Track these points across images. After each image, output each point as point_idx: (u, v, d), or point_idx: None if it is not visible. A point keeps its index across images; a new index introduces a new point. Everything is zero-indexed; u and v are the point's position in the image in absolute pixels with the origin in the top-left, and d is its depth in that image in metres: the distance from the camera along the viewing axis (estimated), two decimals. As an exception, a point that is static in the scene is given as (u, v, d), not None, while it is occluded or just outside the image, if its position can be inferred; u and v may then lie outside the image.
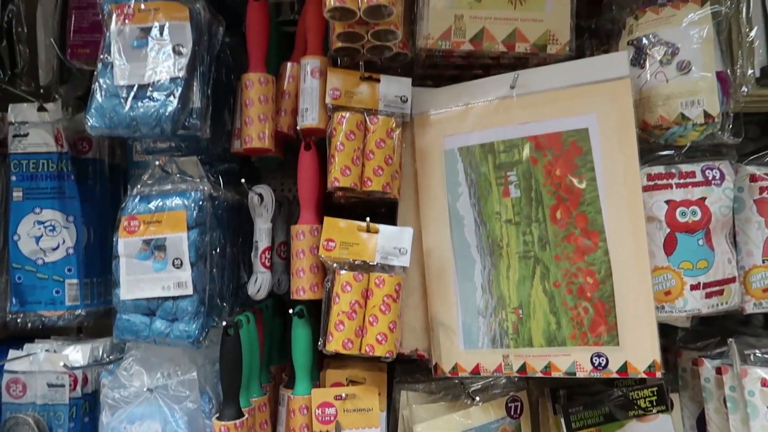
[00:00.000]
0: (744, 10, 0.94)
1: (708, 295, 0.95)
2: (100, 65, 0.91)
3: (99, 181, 1.23)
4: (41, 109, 1.15)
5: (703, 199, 0.95)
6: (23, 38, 1.21)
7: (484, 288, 1.00)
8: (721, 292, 0.96)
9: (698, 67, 0.94)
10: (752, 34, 0.93)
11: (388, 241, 0.95)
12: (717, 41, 0.96)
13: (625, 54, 0.95)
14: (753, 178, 1.00)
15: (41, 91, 1.21)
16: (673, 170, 0.97)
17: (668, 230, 0.95)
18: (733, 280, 0.97)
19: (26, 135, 1.15)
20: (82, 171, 1.19)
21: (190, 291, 0.92)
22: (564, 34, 1.01)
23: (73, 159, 1.17)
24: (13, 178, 1.15)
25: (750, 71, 0.93)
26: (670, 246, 0.95)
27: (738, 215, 1.01)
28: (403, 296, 0.99)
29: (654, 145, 1.00)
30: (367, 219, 0.95)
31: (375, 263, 0.94)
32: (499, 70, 1.05)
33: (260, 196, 1.04)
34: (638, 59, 0.99)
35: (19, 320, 1.16)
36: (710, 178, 0.96)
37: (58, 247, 1.15)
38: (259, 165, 1.24)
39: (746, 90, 0.94)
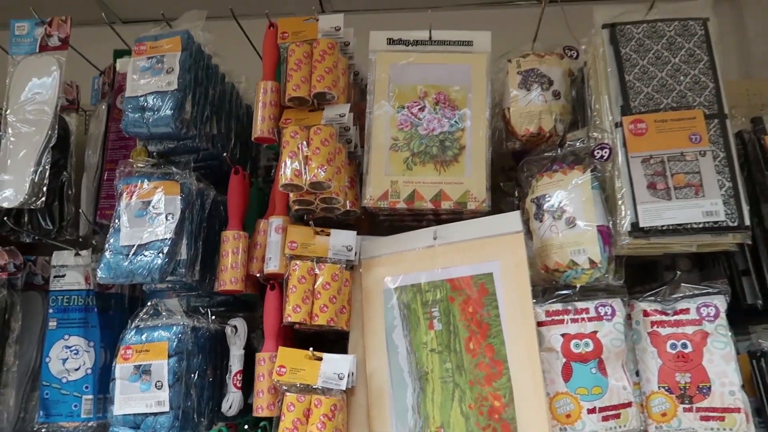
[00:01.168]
0: (616, 176, 1.15)
1: (605, 419, 1.08)
2: (111, 230, 1.20)
3: (119, 311, 1.50)
4: (77, 254, 1.46)
5: (595, 332, 1.11)
6: (71, 199, 1.56)
7: (414, 409, 1.17)
8: (618, 416, 1.09)
9: (582, 222, 1.14)
10: (620, 195, 1.13)
11: (330, 367, 1.15)
12: (600, 200, 1.16)
13: (517, 214, 1.17)
14: (645, 314, 1.16)
15: (80, 239, 1.54)
16: (569, 307, 1.14)
17: (564, 360, 1.11)
18: (629, 404, 1.10)
19: (63, 276, 1.45)
20: (105, 304, 1.47)
21: (166, 408, 1.13)
22: (481, 193, 1.25)
23: (98, 294, 1.45)
24: (51, 310, 1.44)
25: (624, 226, 1.12)
26: (567, 374, 1.10)
27: (637, 346, 1.16)
28: (351, 414, 1.18)
29: (558, 285, 1.18)
30: (310, 349, 1.16)
31: (317, 386, 1.14)
32: (437, 220, 1.29)
33: (235, 327, 1.27)
34: (538, 215, 1.20)
35: (43, 430, 1.40)
36: (602, 313, 1.13)
37: (79, 368, 1.41)
38: (245, 298, 1.49)
39: (625, 241, 1.13)
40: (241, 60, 1.52)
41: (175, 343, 1.17)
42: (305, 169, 1.18)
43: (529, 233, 1.23)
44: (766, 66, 1.85)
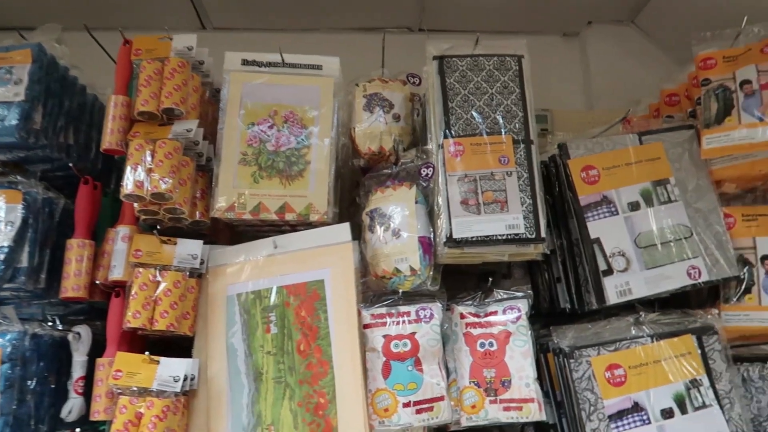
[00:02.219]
0: (437, 192, 1.28)
1: (419, 411, 1.19)
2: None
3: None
4: None
5: (414, 333, 1.23)
6: None
7: (248, 408, 1.24)
8: (431, 409, 1.20)
9: (405, 233, 1.26)
10: (438, 210, 1.26)
11: (166, 371, 1.20)
12: (424, 214, 1.28)
13: (347, 225, 1.27)
14: (462, 316, 1.28)
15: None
16: (393, 310, 1.25)
17: (384, 359, 1.21)
18: (441, 398, 1.21)
19: None
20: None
21: (-4, 414, 1.15)
22: (322, 206, 1.34)
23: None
24: None
25: (441, 237, 1.24)
26: (386, 372, 1.21)
27: (454, 345, 1.28)
28: (192, 416, 1.23)
29: (387, 291, 1.29)
30: (146, 353, 1.21)
31: (153, 389, 1.18)
32: (285, 229, 1.37)
33: (78, 334, 1.30)
34: (371, 226, 1.31)
35: None
36: (422, 316, 1.24)
37: None
38: (100, 306, 1.51)
39: (443, 250, 1.25)
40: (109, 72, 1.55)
41: (8, 350, 1.19)
42: (148, 180, 1.23)
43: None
44: (605, 98, 2.06)
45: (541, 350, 1.33)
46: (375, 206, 1.31)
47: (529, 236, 1.22)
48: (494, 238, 1.22)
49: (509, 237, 1.22)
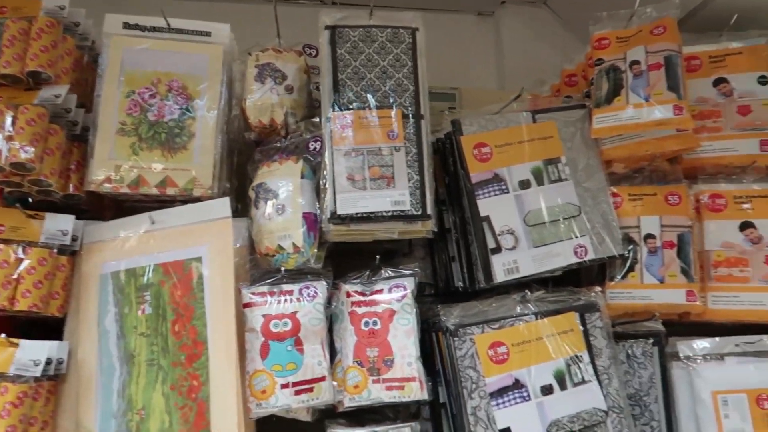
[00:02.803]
0: (324, 167, 1.23)
1: (297, 392, 1.16)
2: None
3: None
4: None
5: (295, 312, 1.19)
6: None
7: (119, 392, 1.17)
8: (311, 390, 1.17)
9: (289, 209, 1.21)
10: (324, 186, 1.22)
11: (26, 354, 1.12)
12: (310, 189, 1.24)
13: (226, 200, 1.22)
14: (348, 295, 1.25)
15: None
16: (275, 289, 1.20)
17: (263, 339, 1.17)
18: (322, 379, 1.18)
19: None
20: None
21: None
22: (207, 180, 1.28)
23: None
24: None
25: (326, 213, 1.21)
26: (264, 352, 1.16)
27: (340, 325, 1.25)
28: (61, 401, 1.16)
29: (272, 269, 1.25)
30: (2, 335, 1.12)
31: (10, 373, 1.10)
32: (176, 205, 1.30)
33: (-69, 315, 1.19)
34: (257, 202, 1.26)
35: None
36: (305, 295, 1.21)
37: None
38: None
39: (328, 227, 1.21)
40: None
41: None
42: (6, 148, 1.13)
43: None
44: (516, 78, 2.06)
45: (433, 329, 1.32)
46: (260, 181, 1.26)
47: (415, 213, 1.20)
48: (379, 214, 1.19)
49: (395, 213, 1.20)
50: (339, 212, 1.19)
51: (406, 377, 1.19)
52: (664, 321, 1.42)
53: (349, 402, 1.21)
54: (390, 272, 1.27)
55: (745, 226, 1.40)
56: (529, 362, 1.24)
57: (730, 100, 1.45)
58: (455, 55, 2.19)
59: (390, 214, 1.20)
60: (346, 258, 1.38)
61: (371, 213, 1.19)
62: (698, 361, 1.38)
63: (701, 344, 1.39)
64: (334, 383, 1.20)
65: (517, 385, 1.22)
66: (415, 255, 1.56)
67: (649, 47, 1.37)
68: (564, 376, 1.24)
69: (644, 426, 1.39)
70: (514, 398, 1.21)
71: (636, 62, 1.37)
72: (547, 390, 1.23)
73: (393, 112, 1.25)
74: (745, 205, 1.41)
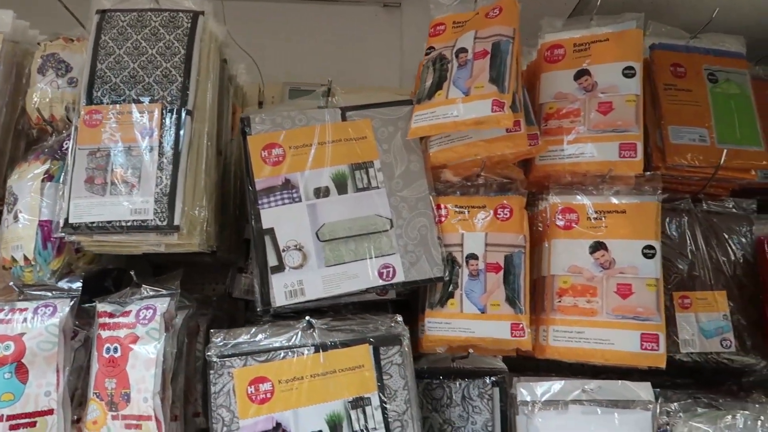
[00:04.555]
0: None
1: (13, 427, 1.01)
2: None
3: None
4: None
5: (22, 334, 1.04)
6: None
7: None
8: (33, 424, 1.02)
9: (26, 215, 1.07)
10: (61, 190, 1.06)
11: None
12: (55, 194, 1.09)
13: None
14: (99, 315, 1.09)
15: None
16: (6, 306, 1.06)
17: (-23, 364, 1.02)
18: (50, 412, 1.03)
19: None
20: None
21: None
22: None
23: None
24: None
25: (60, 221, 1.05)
26: (-23, 379, 1.02)
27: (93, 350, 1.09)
28: None
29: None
30: None
31: None
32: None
33: None
34: (7, 207, 1.12)
35: None
36: (40, 314, 1.06)
37: None
38: None
39: (61, 236, 1.05)
40: None
41: None
42: None
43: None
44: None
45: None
46: (9, 184, 1.12)
47: (160, 223, 1.03)
48: (117, 224, 1.03)
49: (135, 223, 1.03)
50: (71, 220, 1.03)
51: (142, 415, 1.02)
52: (522, 356, 1.21)
53: (92, 439, 1.05)
54: (149, 291, 1.10)
55: (596, 247, 1.16)
56: (298, 403, 1.04)
57: (591, 96, 1.21)
58: (358, 50, 2.01)
59: (129, 224, 1.03)
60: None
61: (108, 222, 1.03)
62: (539, 408, 1.15)
63: (543, 387, 1.15)
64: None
65: (278, 429, 1.03)
66: (252, 271, 1.39)
67: (480, 32, 1.16)
68: (341, 422, 1.04)
69: (473, 482, 1.17)
70: (272, 446, 1.02)
71: (463, 50, 1.16)
72: (315, 438, 1.03)
73: (153, 107, 1.08)
74: (599, 223, 1.16)
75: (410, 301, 1.29)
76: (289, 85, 1.75)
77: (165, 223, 1.03)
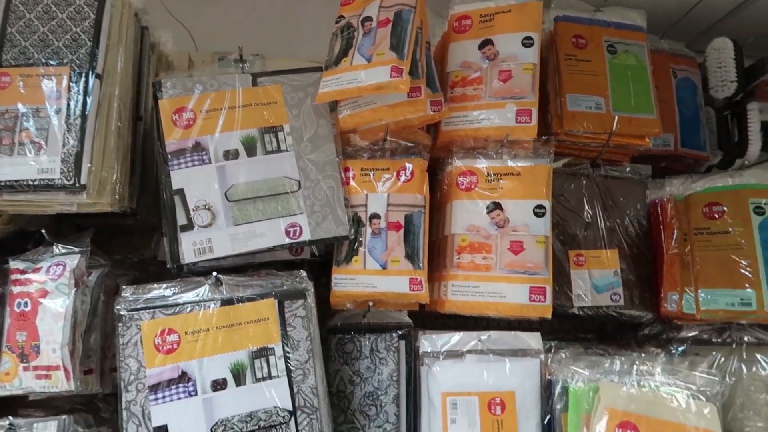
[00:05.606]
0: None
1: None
2: None
3: None
4: None
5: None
6: None
7: None
8: (-56, 375, 1.06)
9: (-65, 175, 1.09)
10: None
11: None
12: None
13: None
14: (11, 272, 1.14)
15: None
16: None
17: None
18: (-39, 363, 1.07)
19: None
20: None
21: None
22: None
23: None
24: None
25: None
26: None
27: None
28: None
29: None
30: None
31: None
32: None
33: None
34: None
35: None
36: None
37: None
38: None
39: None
40: None
41: None
42: None
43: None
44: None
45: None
46: None
47: (66, 182, 1.07)
48: (24, 182, 1.07)
49: (41, 183, 1.07)
50: (-22, 180, 1.06)
51: (51, 365, 1.07)
52: (430, 317, 1.29)
53: (0, 391, 1.09)
54: (60, 248, 1.14)
55: (492, 207, 1.23)
56: (202, 353, 1.10)
57: (493, 65, 1.28)
58: (293, 21, 2.03)
59: (36, 182, 1.07)
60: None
61: (15, 182, 1.06)
62: (440, 358, 1.23)
63: (444, 339, 1.24)
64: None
65: (184, 378, 1.09)
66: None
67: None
68: (244, 370, 1.10)
69: (377, 428, 1.25)
70: (178, 393, 1.08)
71: (368, 19, 1.21)
72: (219, 385, 1.09)
73: (60, 71, 1.12)
74: (496, 185, 1.24)
75: (329, 263, 1.35)
76: (218, 55, 1.77)
77: (71, 182, 1.07)
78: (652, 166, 1.41)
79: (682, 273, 1.29)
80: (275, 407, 1.09)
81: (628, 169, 1.40)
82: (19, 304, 1.10)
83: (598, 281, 1.32)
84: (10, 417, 1.07)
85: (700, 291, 1.24)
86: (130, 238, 1.52)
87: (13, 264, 1.14)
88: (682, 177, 1.38)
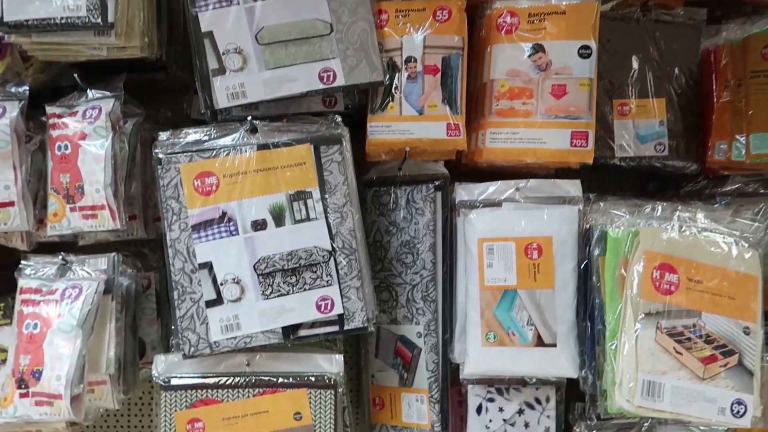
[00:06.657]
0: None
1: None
2: None
3: None
4: None
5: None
6: None
7: None
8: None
9: (-36, 17, 1.07)
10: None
11: None
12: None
13: None
14: (48, 117, 1.14)
15: None
16: (-42, 109, 1.10)
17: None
18: (12, 203, 1.11)
19: None
20: None
21: None
22: None
23: None
24: None
25: None
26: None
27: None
28: None
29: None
30: None
31: None
32: None
33: None
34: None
35: None
36: (-9, 114, 1.10)
37: None
38: None
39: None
40: None
41: None
42: None
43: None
44: None
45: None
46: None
47: (93, 21, 1.04)
48: (51, 21, 1.04)
49: (68, 21, 1.04)
50: (6, 18, 1.04)
51: (95, 205, 1.10)
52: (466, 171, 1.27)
53: (50, 231, 1.14)
54: (95, 94, 1.14)
55: (535, 49, 1.17)
56: (241, 195, 1.11)
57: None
58: None
59: (63, 21, 1.04)
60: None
61: (42, 20, 1.04)
62: (478, 206, 1.22)
63: (480, 188, 1.23)
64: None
65: (224, 218, 1.11)
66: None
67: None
68: (283, 212, 1.12)
69: (414, 275, 1.28)
70: (220, 232, 1.11)
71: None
72: (259, 226, 1.11)
73: None
74: (540, 26, 1.16)
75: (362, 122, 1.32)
76: None
77: (99, 20, 1.04)
78: (708, 15, 1.31)
79: (732, 121, 1.23)
80: (315, 247, 1.12)
81: (681, 13, 1.30)
82: (59, 147, 1.11)
83: (642, 131, 1.27)
84: (62, 252, 1.11)
85: (752, 136, 1.18)
86: (163, 96, 1.50)
87: (50, 109, 1.14)
88: (740, 20, 1.28)
